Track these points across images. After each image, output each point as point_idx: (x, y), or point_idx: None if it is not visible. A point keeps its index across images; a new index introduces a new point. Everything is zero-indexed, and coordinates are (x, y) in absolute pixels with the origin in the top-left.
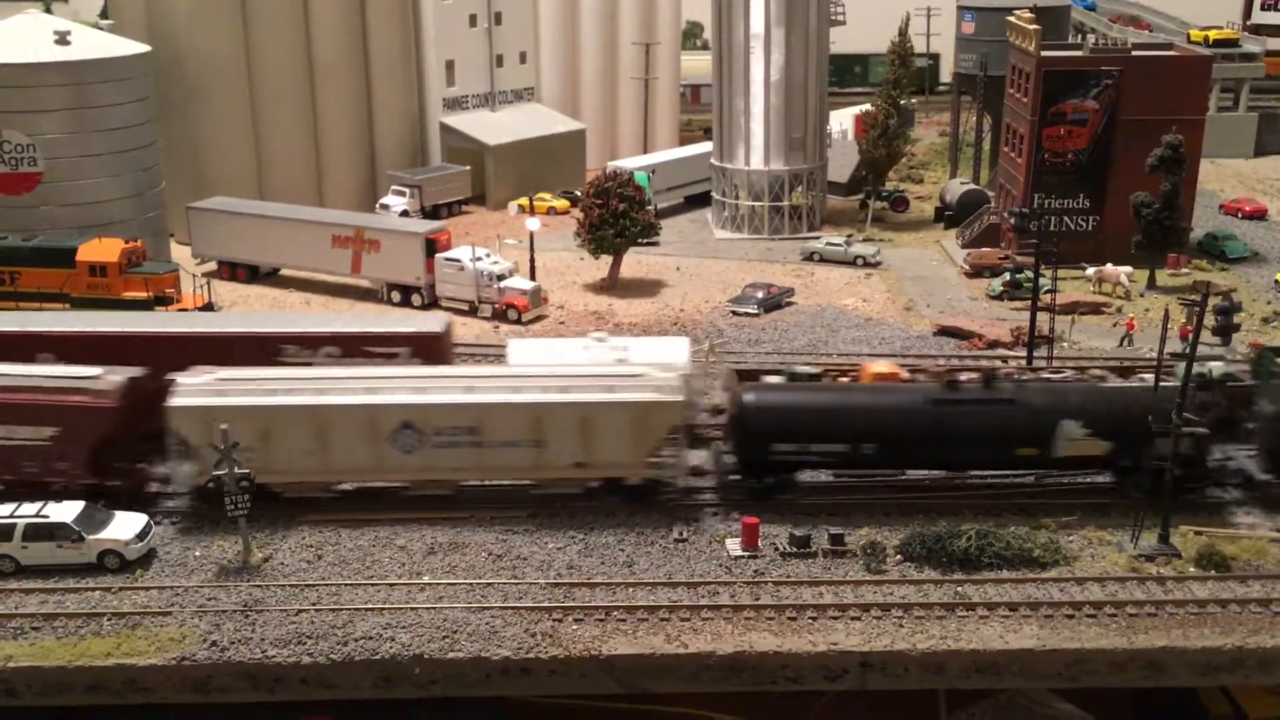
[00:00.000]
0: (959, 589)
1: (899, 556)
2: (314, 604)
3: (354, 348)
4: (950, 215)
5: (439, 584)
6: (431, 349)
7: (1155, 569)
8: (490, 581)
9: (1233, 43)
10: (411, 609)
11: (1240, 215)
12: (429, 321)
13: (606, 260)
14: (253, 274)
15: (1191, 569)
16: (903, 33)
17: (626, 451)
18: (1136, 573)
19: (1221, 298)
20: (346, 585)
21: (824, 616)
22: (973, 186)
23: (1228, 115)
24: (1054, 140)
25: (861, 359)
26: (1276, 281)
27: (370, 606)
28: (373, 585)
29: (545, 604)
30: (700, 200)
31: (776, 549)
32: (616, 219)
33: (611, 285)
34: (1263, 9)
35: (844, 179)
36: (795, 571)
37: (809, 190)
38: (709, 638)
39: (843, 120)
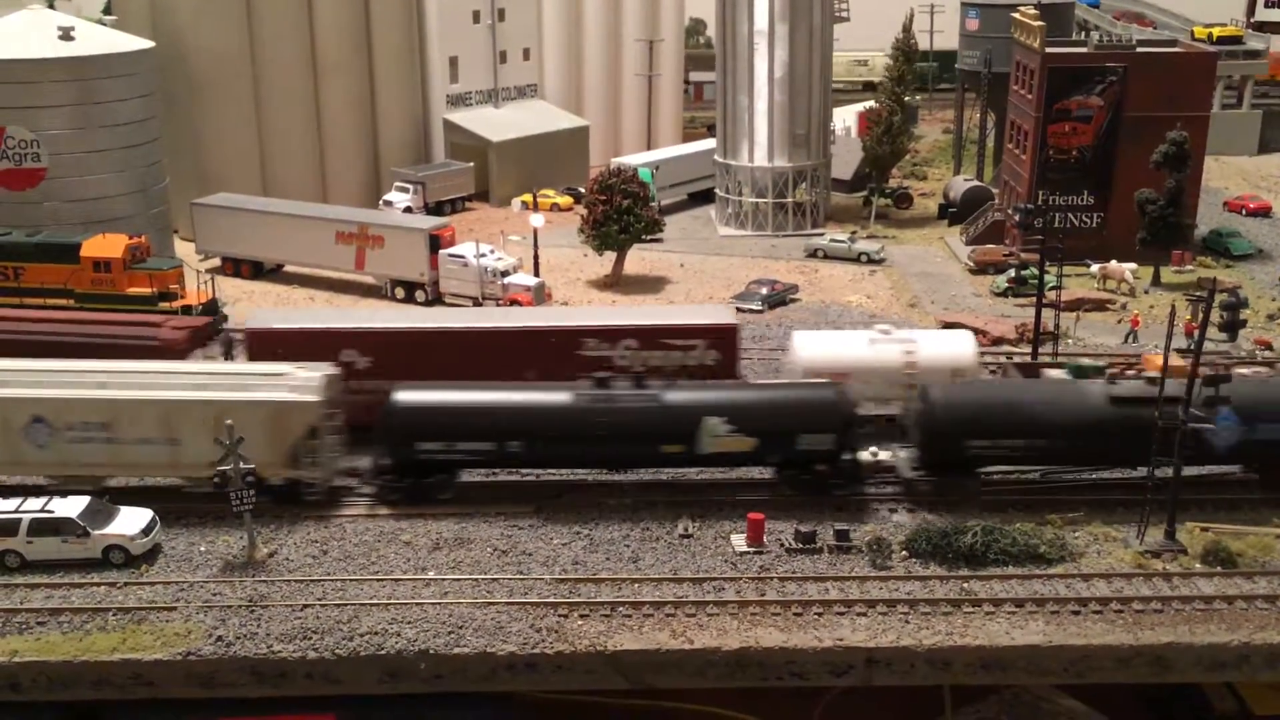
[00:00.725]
0: (965, 585)
1: (904, 552)
2: (319, 599)
3: (652, 340)
4: (954, 212)
5: (444, 579)
6: (726, 340)
7: (1161, 565)
8: (496, 577)
9: (1236, 39)
10: (417, 604)
11: (1244, 212)
12: (722, 314)
13: (610, 257)
14: (256, 270)
15: (1198, 565)
16: (907, 29)
17: (263, 451)
18: (1143, 569)
19: (1228, 294)
20: (352, 580)
21: (830, 612)
22: (976, 183)
23: (1232, 112)
24: (1058, 137)
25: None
26: None
27: (375, 602)
28: (378, 580)
29: (551, 599)
30: (704, 197)
31: (782, 545)
32: (620, 215)
33: (615, 281)
34: (1267, 6)
35: (848, 176)
36: (801, 567)
37: (813, 187)
38: (715, 633)
39: (846, 117)
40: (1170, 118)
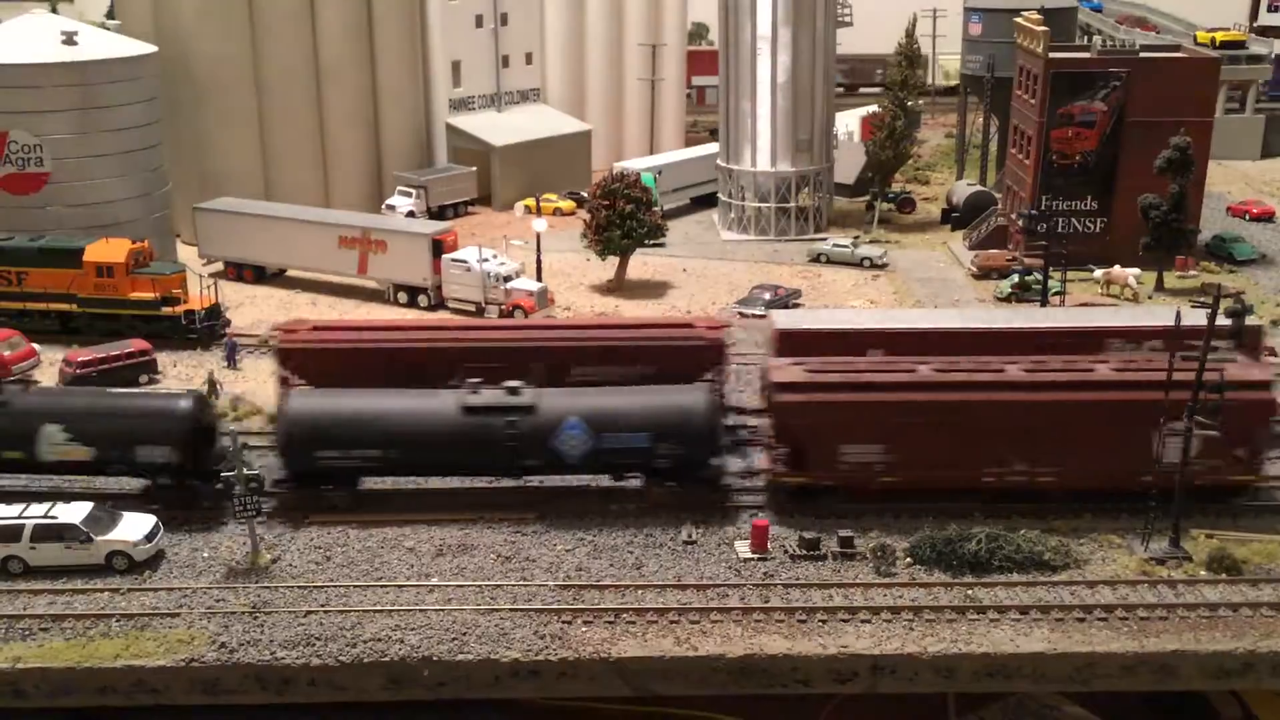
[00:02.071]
0: (969, 592)
1: (909, 559)
2: (323, 605)
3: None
4: (957, 217)
5: (448, 586)
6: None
7: (1166, 572)
8: (499, 583)
9: (1240, 44)
10: (420, 611)
11: (1248, 217)
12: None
13: (613, 261)
14: (259, 274)
15: (1202, 572)
16: (910, 34)
17: None
18: (1147, 576)
19: (1233, 300)
20: (355, 587)
21: (834, 619)
22: (979, 188)
23: (1235, 117)
24: (1061, 142)
25: None
26: None
27: (379, 608)
28: (381, 587)
29: (554, 606)
30: (706, 201)
31: (786, 551)
32: (623, 220)
33: (618, 286)
34: (1270, 10)
35: (850, 180)
36: (805, 574)
37: (816, 191)
38: (719, 640)
39: (849, 122)
40: (1173, 123)
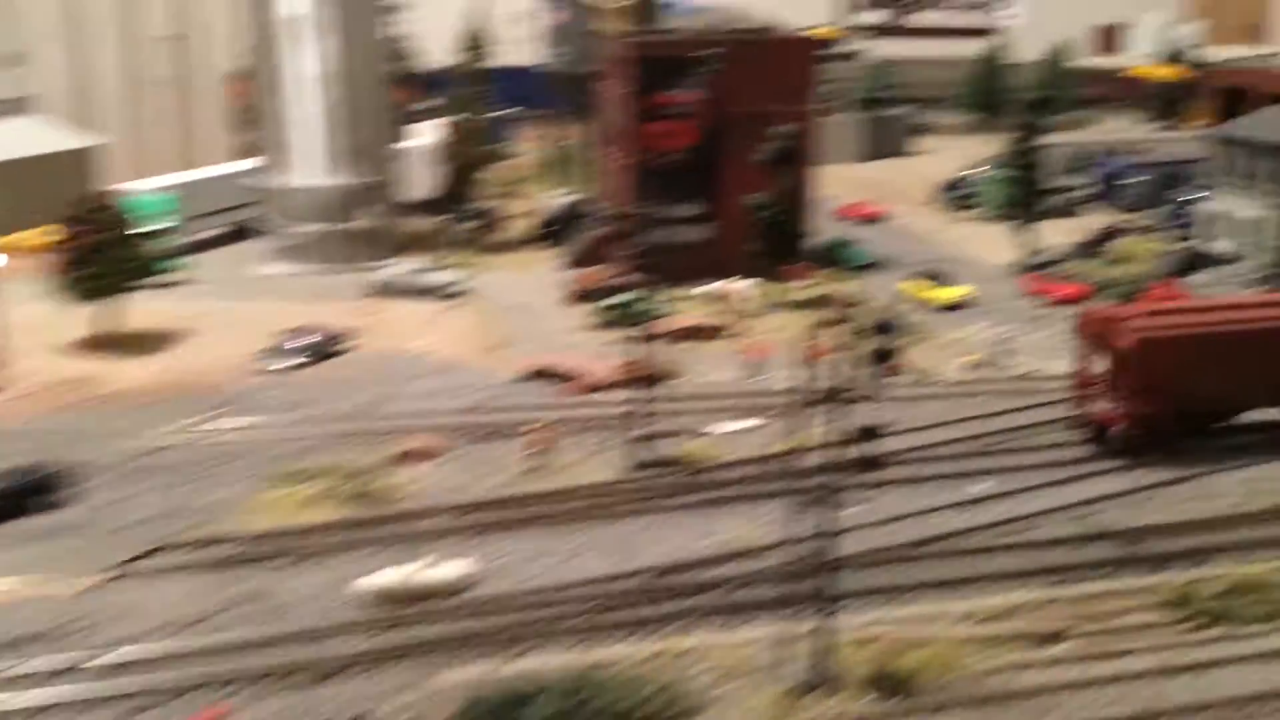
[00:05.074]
0: None
1: None
2: None
3: None
4: (555, 232)
5: None
6: None
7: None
8: None
9: (832, 42)
10: None
11: (858, 221)
12: None
13: (106, 310)
14: None
15: (860, 703)
16: (475, 25)
17: None
18: None
19: (881, 326)
20: None
21: None
22: (577, 199)
23: (838, 120)
24: (656, 138)
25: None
26: (899, 290)
27: None
28: None
29: None
30: (254, 229)
31: None
32: (94, 256)
33: (104, 341)
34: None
35: (425, 195)
36: None
37: (377, 210)
38: None
39: (423, 131)
40: (776, 113)
